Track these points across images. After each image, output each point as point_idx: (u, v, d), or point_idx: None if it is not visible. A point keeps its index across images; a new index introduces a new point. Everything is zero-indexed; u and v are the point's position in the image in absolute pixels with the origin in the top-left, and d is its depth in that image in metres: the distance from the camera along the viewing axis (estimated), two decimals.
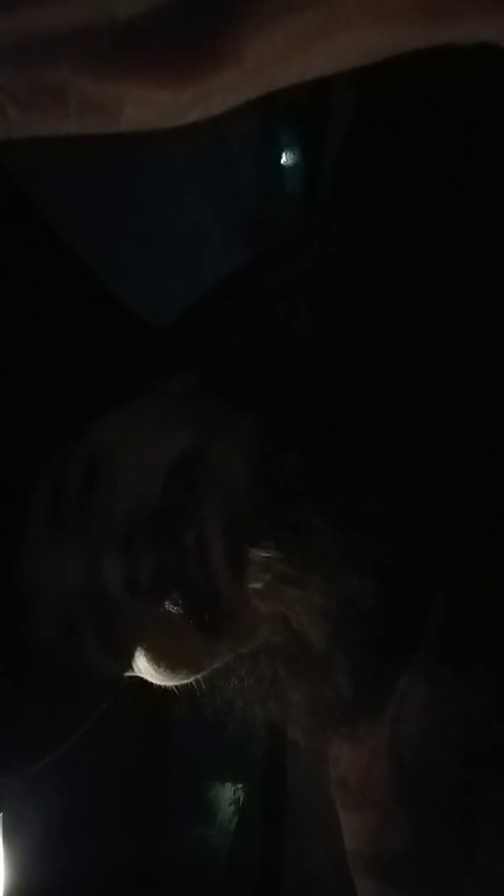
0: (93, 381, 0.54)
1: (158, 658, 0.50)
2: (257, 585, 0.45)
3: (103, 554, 0.48)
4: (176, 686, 0.54)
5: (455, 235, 0.53)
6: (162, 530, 0.46)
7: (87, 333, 0.59)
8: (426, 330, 0.51)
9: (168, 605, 0.46)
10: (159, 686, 0.54)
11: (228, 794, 1.39)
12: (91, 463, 0.50)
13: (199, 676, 0.52)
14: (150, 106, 0.38)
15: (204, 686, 0.54)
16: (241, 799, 1.38)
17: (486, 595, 0.49)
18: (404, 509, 0.47)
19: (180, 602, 0.46)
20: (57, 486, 0.50)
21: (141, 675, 0.53)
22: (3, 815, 1.00)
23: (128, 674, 0.53)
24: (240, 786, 1.38)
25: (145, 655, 0.50)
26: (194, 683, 0.53)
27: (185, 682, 0.52)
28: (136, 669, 0.52)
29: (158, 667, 0.50)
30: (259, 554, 0.45)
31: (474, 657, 0.48)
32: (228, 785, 1.38)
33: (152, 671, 0.51)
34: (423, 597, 0.49)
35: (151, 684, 0.54)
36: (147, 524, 0.47)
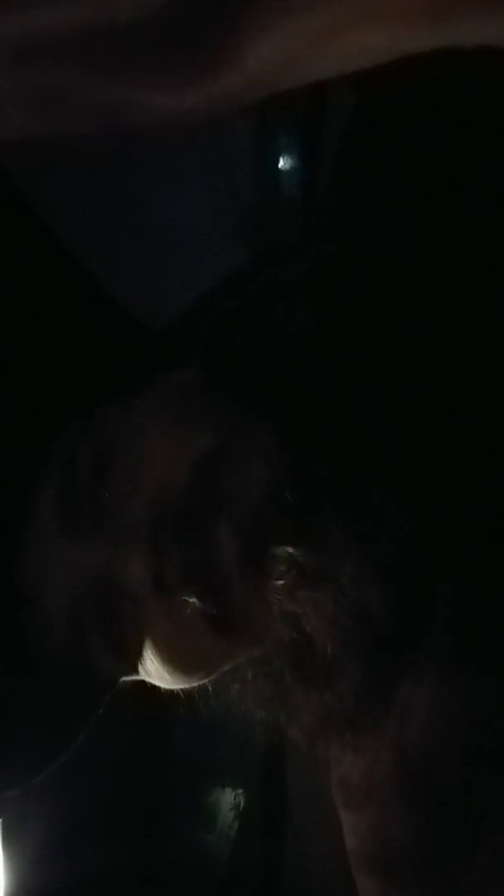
0: (92, 380, 0.54)
1: (172, 660, 0.50)
2: (278, 583, 0.45)
3: (126, 551, 0.47)
4: (178, 689, 0.54)
5: (453, 235, 0.53)
6: (188, 528, 0.46)
7: (86, 333, 0.58)
8: (424, 330, 0.51)
9: (190, 603, 0.46)
10: (160, 689, 0.54)
11: (229, 799, 1.38)
12: (99, 461, 0.50)
13: (206, 680, 0.52)
14: (150, 107, 0.38)
15: (206, 689, 0.54)
16: (242, 804, 1.37)
17: (486, 596, 0.49)
18: (414, 515, 0.46)
19: (203, 599, 0.46)
20: (64, 482, 0.50)
21: (149, 679, 0.53)
22: (3, 819, 1.00)
23: (136, 677, 0.53)
24: (241, 790, 1.38)
25: (158, 657, 0.50)
26: (196, 687, 0.53)
27: (195, 685, 0.52)
28: (145, 673, 0.52)
29: (172, 669, 0.50)
30: (284, 549, 0.45)
31: (476, 658, 0.48)
32: (229, 790, 1.38)
33: (164, 674, 0.50)
34: (426, 599, 0.48)
35: (153, 687, 0.54)
36: (172, 522, 0.47)
